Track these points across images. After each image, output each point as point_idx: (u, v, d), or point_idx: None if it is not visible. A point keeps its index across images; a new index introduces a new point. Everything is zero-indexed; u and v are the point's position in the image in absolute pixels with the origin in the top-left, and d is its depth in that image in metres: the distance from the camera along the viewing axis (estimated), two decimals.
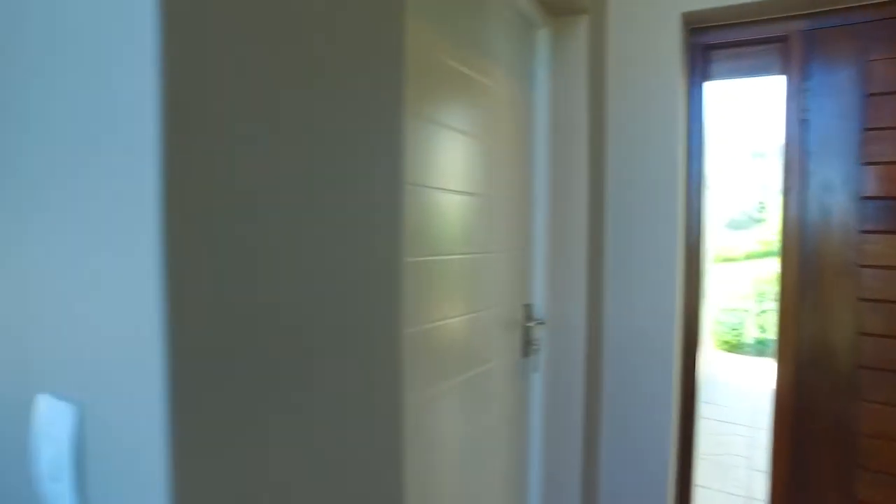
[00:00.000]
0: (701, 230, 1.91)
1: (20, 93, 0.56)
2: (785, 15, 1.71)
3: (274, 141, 0.53)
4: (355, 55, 0.63)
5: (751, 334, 6.60)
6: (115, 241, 0.47)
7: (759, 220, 10.87)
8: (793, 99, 1.71)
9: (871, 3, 1.59)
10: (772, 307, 6.64)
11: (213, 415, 0.48)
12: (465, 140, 1.26)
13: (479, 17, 1.31)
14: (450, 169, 1.19)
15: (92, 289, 0.49)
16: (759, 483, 2.88)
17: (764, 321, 6.59)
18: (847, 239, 1.63)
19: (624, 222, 1.82)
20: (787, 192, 1.72)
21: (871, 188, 1.59)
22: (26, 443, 0.59)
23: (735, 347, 6.49)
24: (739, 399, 4.53)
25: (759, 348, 6.33)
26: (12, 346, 0.60)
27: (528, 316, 1.56)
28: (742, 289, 7.51)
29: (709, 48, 1.89)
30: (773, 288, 6.89)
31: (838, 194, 1.65)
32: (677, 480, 1.90)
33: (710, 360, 5.21)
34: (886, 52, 1.57)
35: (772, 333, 6.33)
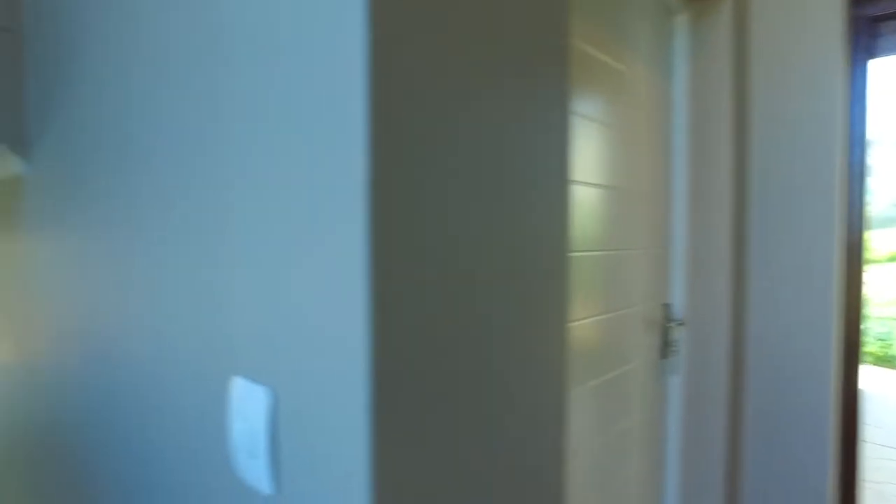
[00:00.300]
0: (863, 227, 1.69)
1: (225, 94, 0.60)
2: None
3: (464, 141, 0.53)
4: (527, 56, 0.62)
5: None
6: (322, 236, 0.48)
7: None
8: None
9: None
10: None
11: (408, 408, 0.49)
12: (602, 130, 1.20)
13: (616, 2, 1.25)
14: (587, 160, 1.14)
15: (296, 282, 0.51)
16: None
17: None
18: None
19: (771, 219, 1.65)
20: None
21: None
22: (220, 419, 0.64)
23: (882, 360, 5.74)
24: None
25: None
26: (211, 330, 0.64)
27: (667, 316, 1.47)
28: (889, 295, 6.63)
29: (876, 20, 1.66)
30: None
31: None
32: None
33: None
34: None
35: None
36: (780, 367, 1.62)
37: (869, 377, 5.09)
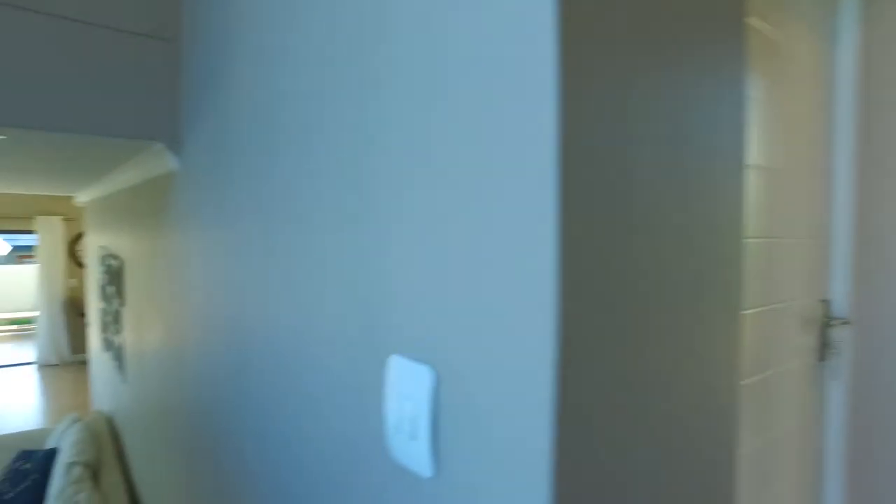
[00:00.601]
0: None
1: (390, 83, 0.60)
2: None
3: (646, 124, 0.49)
4: (706, 33, 0.57)
5: None
6: (504, 215, 0.46)
7: None
8: None
9: None
10: None
11: (589, 395, 0.45)
12: (754, 105, 1.08)
13: None
14: None
15: (472, 263, 0.50)
16: None
17: None
18: None
19: None
20: None
21: None
22: (374, 399, 0.64)
23: None
24: None
25: None
26: (367, 308, 0.65)
27: (827, 313, 1.31)
28: None
29: None
30: None
31: None
32: None
33: None
34: None
35: None
36: None
37: None
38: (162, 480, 1.96)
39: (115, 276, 2.72)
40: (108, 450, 2.67)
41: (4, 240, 9.22)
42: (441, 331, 0.53)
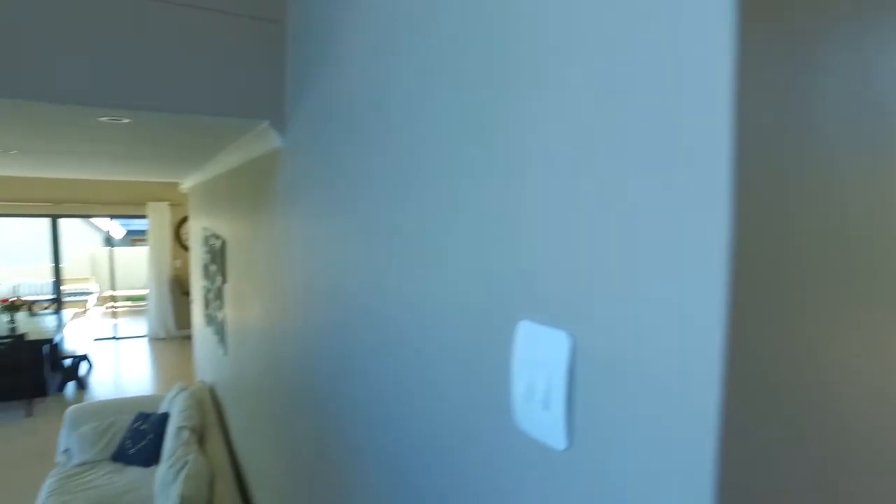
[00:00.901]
0: None
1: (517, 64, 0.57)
2: None
3: (832, 91, 0.42)
4: None
5: None
6: (663, 186, 0.41)
7: None
8: None
9: None
10: None
11: (761, 378, 0.40)
12: None
13: None
14: None
15: (623, 230, 0.45)
16: None
17: None
18: None
19: None
20: None
21: None
22: (498, 366, 0.61)
23: None
24: None
25: None
26: (496, 272, 0.62)
27: None
28: None
29: None
30: None
31: None
32: None
33: None
34: None
35: None
36: None
37: None
38: (260, 449, 2.07)
39: (216, 254, 2.89)
40: (210, 417, 2.86)
41: (120, 224, 10.18)
42: (581, 295, 0.49)
